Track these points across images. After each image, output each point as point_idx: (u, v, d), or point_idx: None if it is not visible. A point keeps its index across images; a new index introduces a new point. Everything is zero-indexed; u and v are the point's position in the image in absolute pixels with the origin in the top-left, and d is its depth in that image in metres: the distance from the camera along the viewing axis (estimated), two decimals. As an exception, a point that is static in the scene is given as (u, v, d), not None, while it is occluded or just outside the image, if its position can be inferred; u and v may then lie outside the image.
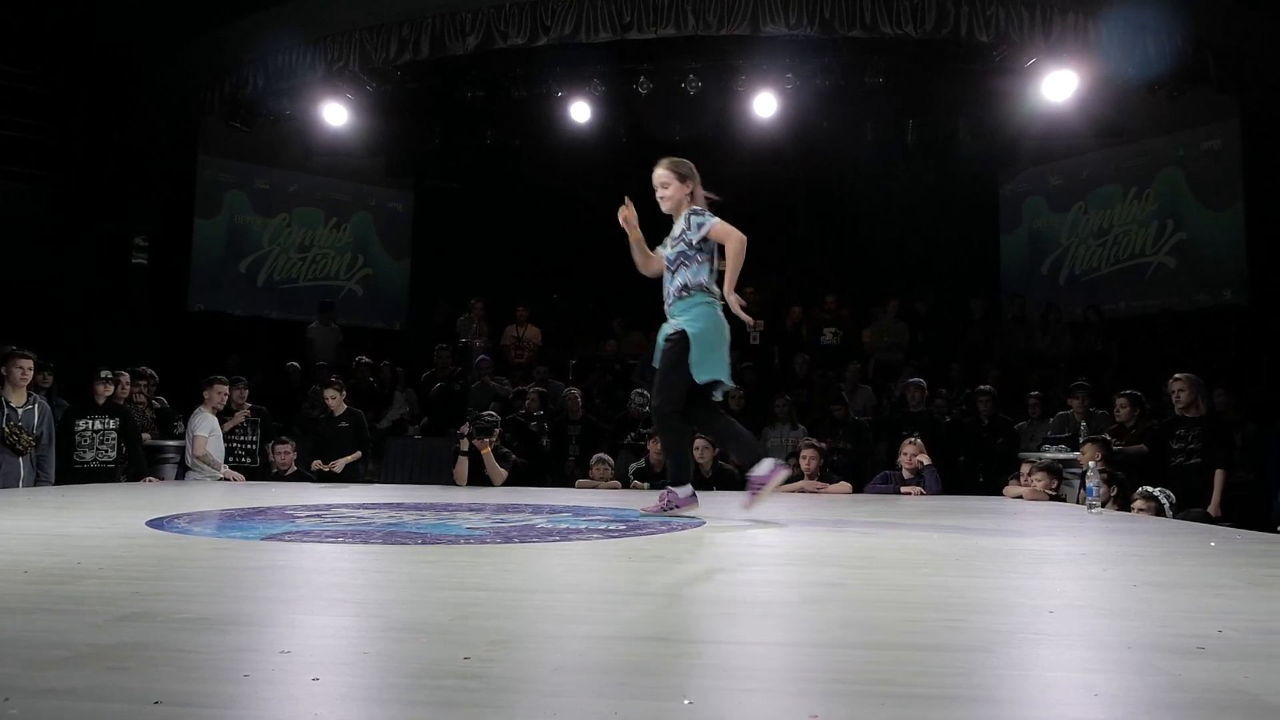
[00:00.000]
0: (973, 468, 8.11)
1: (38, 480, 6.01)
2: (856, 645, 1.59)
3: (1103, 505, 4.90)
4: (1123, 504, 5.31)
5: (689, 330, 3.91)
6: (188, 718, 1.15)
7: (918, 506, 5.22)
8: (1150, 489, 5.22)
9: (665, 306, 4.08)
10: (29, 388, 6.07)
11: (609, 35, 8.27)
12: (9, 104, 10.33)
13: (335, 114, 10.26)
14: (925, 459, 6.39)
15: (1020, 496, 5.98)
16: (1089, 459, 5.48)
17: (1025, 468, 6.36)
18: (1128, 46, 8.03)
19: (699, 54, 9.42)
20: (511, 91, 10.15)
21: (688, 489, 4.06)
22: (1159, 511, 5.08)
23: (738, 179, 11.43)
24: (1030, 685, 1.38)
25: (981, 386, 8.52)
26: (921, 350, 10.40)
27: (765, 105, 9.89)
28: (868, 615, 1.89)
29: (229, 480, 6.85)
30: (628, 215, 4.12)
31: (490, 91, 10.24)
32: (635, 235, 4.15)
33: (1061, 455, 6.61)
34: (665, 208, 4.10)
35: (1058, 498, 5.87)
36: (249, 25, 9.29)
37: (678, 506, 4.02)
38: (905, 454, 6.47)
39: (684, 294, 3.98)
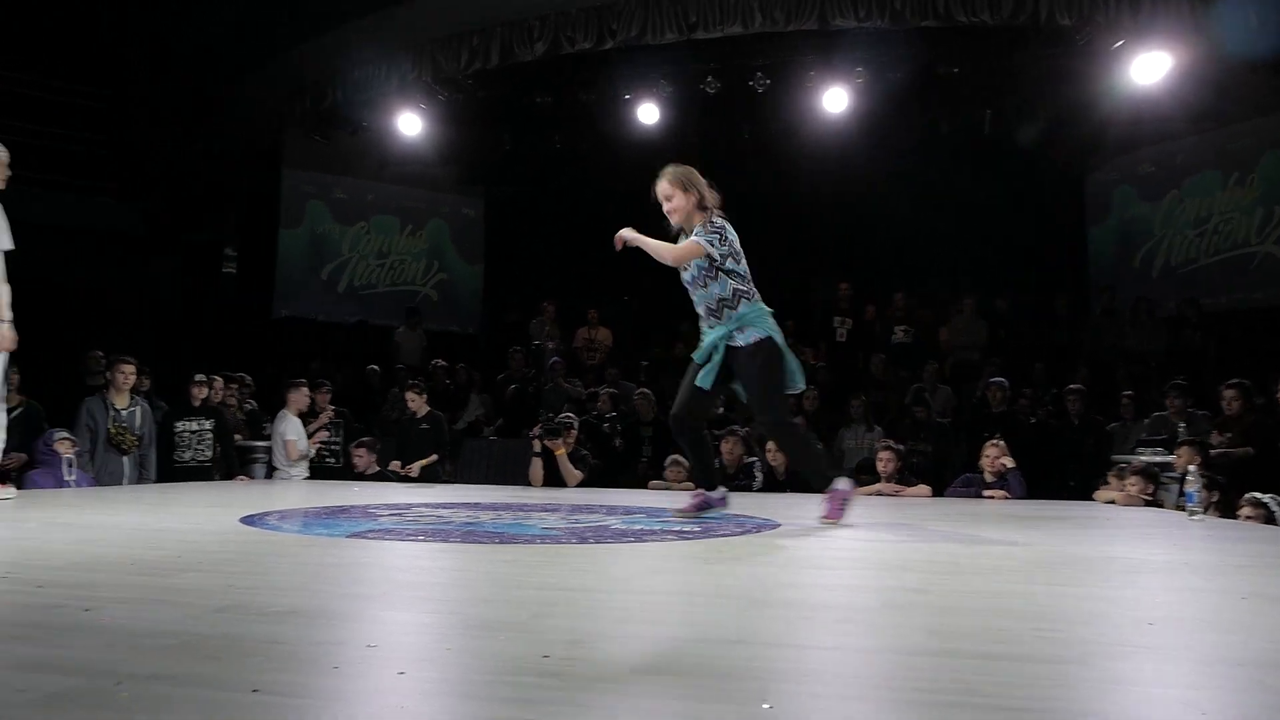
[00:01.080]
0: (1062, 471, 7.83)
1: (140, 478, 6.30)
2: (941, 653, 1.55)
3: (1204, 511, 4.68)
4: (1226, 510, 5.06)
5: (775, 337, 3.84)
6: (283, 707, 1.19)
7: (1002, 511, 5.08)
8: (1259, 495, 4.94)
9: (705, 323, 3.96)
10: (131, 391, 6.35)
11: (675, 36, 8.27)
12: (105, 124, 10.84)
13: (409, 124, 10.49)
14: (1009, 461, 6.21)
15: (1113, 501, 5.75)
16: (1185, 463, 5.24)
17: (1117, 471, 6.12)
18: (1230, 23, 7.62)
19: (766, 51, 9.32)
20: (579, 96, 10.22)
21: (844, 480, 3.89)
22: (1269, 519, 4.81)
23: (808, 176, 11.35)
24: (1130, 701, 1.32)
25: (1071, 385, 8.23)
26: (1003, 348, 10.12)
27: (835, 101, 9.74)
28: (952, 623, 1.84)
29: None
30: (625, 240, 3.92)
31: (558, 97, 10.33)
32: (642, 240, 3.89)
33: (1158, 458, 6.33)
34: (674, 221, 3.94)
35: (1154, 503, 5.63)
36: (327, 41, 9.58)
37: (847, 500, 3.83)
38: (987, 456, 6.29)
39: (729, 306, 3.86)
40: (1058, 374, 9.13)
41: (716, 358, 3.87)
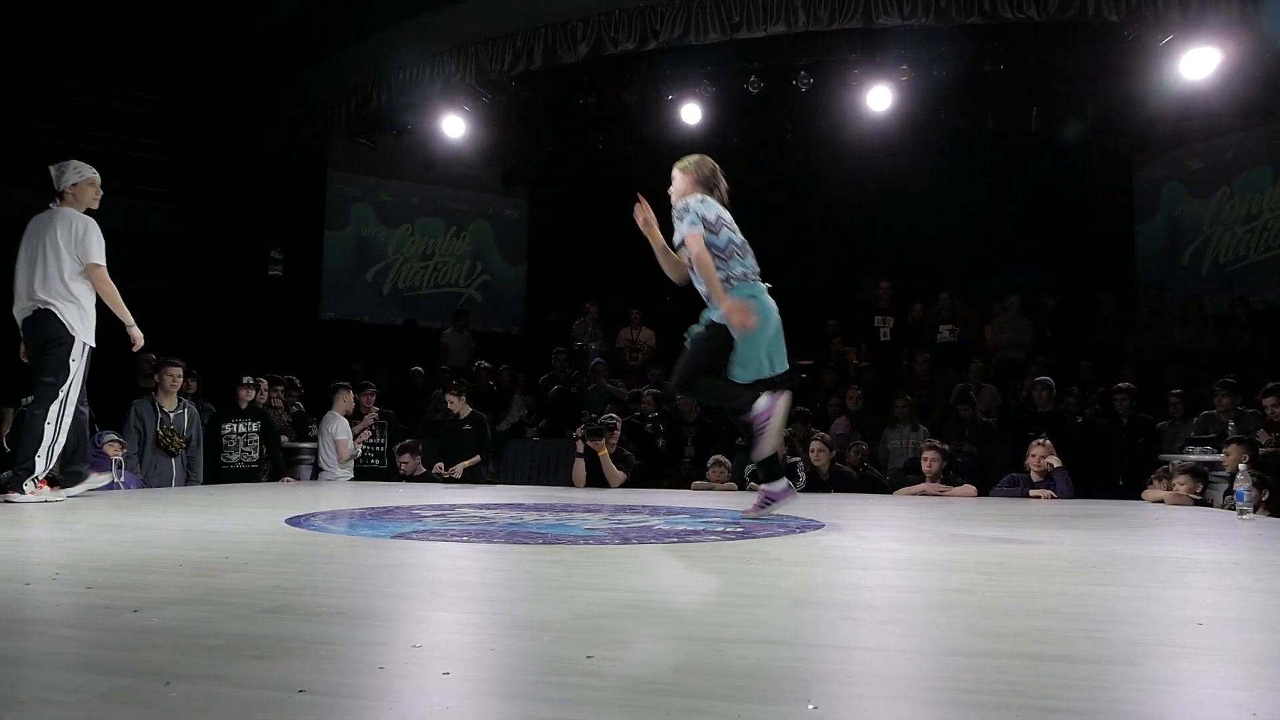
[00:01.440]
0: (1110, 470, 7.69)
1: (188, 480, 6.42)
2: (986, 654, 1.54)
3: (1254, 510, 4.58)
4: (1276, 509, 4.94)
5: (732, 331, 3.80)
6: (329, 707, 1.21)
7: (1048, 510, 5.01)
8: (1311, 493, 4.84)
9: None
10: (178, 393, 6.49)
11: (718, 36, 8.24)
12: (151, 129, 11.10)
13: (453, 126, 10.59)
14: (1055, 461, 6.13)
15: (1161, 500, 5.65)
16: (1234, 461, 5.13)
17: (1171, 469, 6.00)
18: (1278, 16, 7.45)
19: (810, 50, 9.25)
20: (622, 96, 10.23)
21: (782, 483, 4.03)
22: (1319, 518, 4.70)
23: (853, 176, 11.26)
24: (1178, 702, 1.30)
25: (1119, 384, 8.08)
26: (1049, 347, 9.96)
27: (880, 99, 9.65)
28: (998, 623, 1.82)
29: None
30: (646, 218, 4.02)
31: (601, 97, 10.35)
32: (655, 240, 4.05)
33: (1206, 457, 6.20)
34: (673, 201, 4.05)
35: (1203, 502, 5.52)
36: (370, 45, 9.70)
37: (773, 501, 3.99)
38: (1033, 456, 6.22)
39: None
40: (1105, 373, 8.96)
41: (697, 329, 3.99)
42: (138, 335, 4.72)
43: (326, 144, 11.71)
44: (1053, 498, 5.97)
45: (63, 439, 4.53)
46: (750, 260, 3.93)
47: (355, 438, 7.53)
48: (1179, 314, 9.89)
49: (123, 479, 5.78)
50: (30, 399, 4.56)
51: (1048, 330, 10.31)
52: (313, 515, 3.91)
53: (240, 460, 6.94)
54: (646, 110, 10.45)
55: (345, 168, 12.36)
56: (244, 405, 7.02)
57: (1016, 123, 10.42)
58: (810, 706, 1.19)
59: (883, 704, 1.26)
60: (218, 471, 6.75)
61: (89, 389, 4.72)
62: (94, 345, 4.62)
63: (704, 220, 3.82)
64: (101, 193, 4.80)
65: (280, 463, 7.19)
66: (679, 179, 4.05)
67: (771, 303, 3.88)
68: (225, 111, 11.12)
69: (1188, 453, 6.56)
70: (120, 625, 1.68)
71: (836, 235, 11.50)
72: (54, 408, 4.45)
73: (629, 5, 8.43)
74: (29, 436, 4.43)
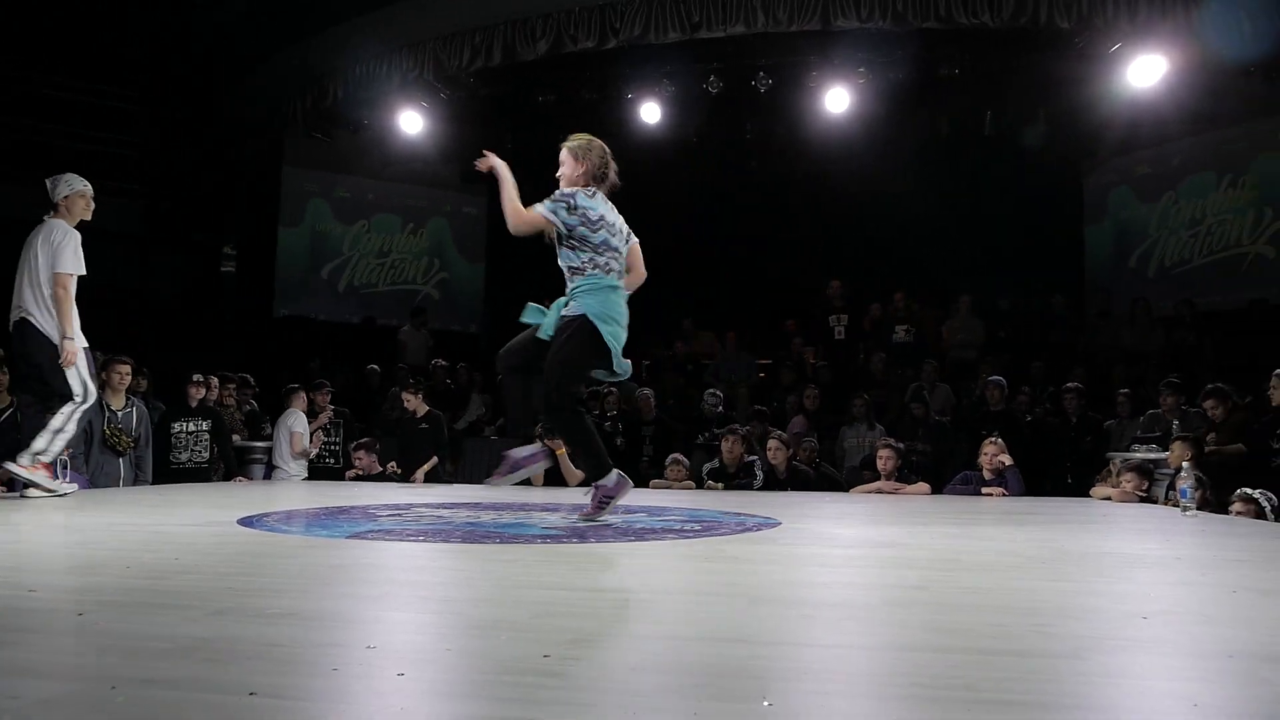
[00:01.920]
0: (1059, 468, 7.86)
1: (136, 480, 6.26)
2: (940, 649, 1.56)
3: (1197, 507, 4.71)
4: (1217, 506, 5.09)
5: (590, 314, 3.71)
6: (280, 709, 1.19)
7: (1000, 508, 5.10)
8: (1249, 490, 4.98)
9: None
10: (127, 391, 6.34)
11: (678, 35, 8.27)
12: (104, 122, 10.84)
13: (411, 122, 10.49)
14: (1007, 459, 6.23)
15: (1108, 498, 5.78)
16: (1179, 459, 5.27)
17: (1113, 467, 6.15)
18: (1223, 28, 7.68)
19: (769, 51, 9.34)
20: (582, 94, 10.21)
21: (612, 476, 3.78)
22: (1259, 515, 4.84)
23: (811, 175, 11.37)
24: (1124, 694, 1.33)
25: (1068, 384, 8.26)
26: (1002, 347, 10.15)
27: (837, 100, 9.75)
28: (951, 619, 1.85)
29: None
30: (491, 164, 3.96)
31: (561, 95, 10.32)
32: (505, 184, 3.89)
33: (1152, 455, 6.36)
34: (562, 187, 3.93)
35: (1148, 499, 5.66)
36: (328, 40, 9.58)
37: (611, 498, 3.76)
38: (986, 454, 6.32)
39: (577, 273, 3.80)
40: (1055, 373, 9.15)
41: (553, 317, 3.85)
42: (71, 351, 4.73)
43: (282, 139, 11.53)
44: (1004, 495, 6.07)
45: (71, 429, 4.73)
46: (620, 265, 3.84)
47: (311, 438, 7.44)
48: (1127, 316, 10.13)
49: (68, 479, 5.63)
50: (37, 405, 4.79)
51: (1001, 330, 10.50)
52: (266, 515, 3.84)
53: (190, 460, 6.79)
54: (606, 109, 10.43)
55: (301, 163, 12.19)
56: (194, 403, 6.87)
57: (971, 126, 10.61)
58: (766, 703, 1.20)
59: (838, 700, 1.27)
60: (167, 471, 6.59)
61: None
62: (85, 345, 4.81)
63: (584, 215, 3.72)
64: (93, 205, 5.00)
65: (232, 462, 7.05)
66: (568, 162, 3.92)
67: (625, 308, 3.80)
68: (179, 104, 10.91)
69: (1134, 451, 6.72)
70: (64, 629, 1.64)
71: (794, 234, 11.59)
72: (68, 407, 4.72)
73: (589, 3, 8.43)
74: (36, 423, 4.67)
